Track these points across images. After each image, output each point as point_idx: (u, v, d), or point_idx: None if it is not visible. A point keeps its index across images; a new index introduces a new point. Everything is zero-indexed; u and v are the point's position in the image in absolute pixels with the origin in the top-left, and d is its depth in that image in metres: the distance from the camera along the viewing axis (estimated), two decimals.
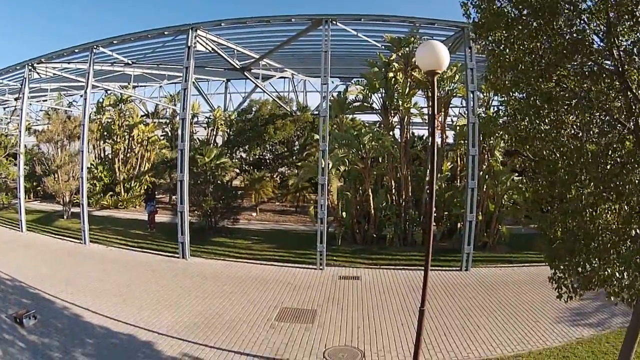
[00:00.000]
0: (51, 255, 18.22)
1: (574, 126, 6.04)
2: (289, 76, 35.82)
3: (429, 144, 21.47)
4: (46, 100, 40.01)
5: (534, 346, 10.08)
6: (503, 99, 6.60)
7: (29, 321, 10.77)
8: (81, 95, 21.75)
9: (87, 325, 10.94)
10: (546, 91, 5.43)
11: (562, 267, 5.98)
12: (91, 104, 38.19)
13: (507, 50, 5.68)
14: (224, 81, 42.17)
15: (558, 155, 6.06)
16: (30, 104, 42.27)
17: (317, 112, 34.74)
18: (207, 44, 20.08)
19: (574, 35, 5.35)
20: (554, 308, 12.22)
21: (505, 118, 6.43)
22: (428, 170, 20.70)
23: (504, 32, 5.67)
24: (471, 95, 17.29)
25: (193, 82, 39.29)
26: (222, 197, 22.72)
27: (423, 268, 16.54)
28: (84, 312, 11.74)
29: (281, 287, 14.36)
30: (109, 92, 35.83)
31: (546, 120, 5.79)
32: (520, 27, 5.50)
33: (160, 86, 40.41)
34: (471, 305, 12.77)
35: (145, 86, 40.15)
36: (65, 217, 26.76)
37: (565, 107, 5.51)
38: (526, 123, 5.80)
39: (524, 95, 6.21)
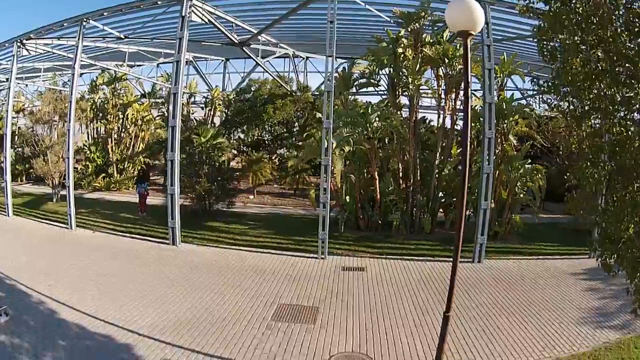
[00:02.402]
0: (35, 241, 17.04)
1: None
2: (289, 55, 34.13)
3: (440, 125, 20.08)
4: (41, 80, 38.38)
5: (561, 352, 8.95)
6: (558, 66, 5.23)
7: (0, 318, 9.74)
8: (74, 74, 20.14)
9: (62, 323, 9.75)
10: None
11: None
12: (86, 84, 37.00)
13: None
14: (222, 61, 40.51)
15: (630, 132, 4.75)
16: (27, 85, 40.77)
17: (317, 93, 33.35)
18: (203, 14, 18.56)
19: None
20: (574, 307, 11.38)
21: (567, 88, 4.99)
22: (438, 154, 19.42)
23: None
24: (487, 74, 15.90)
25: (191, 62, 37.96)
26: (217, 179, 21.42)
27: (433, 259, 15.56)
28: (60, 308, 10.55)
29: (279, 279, 13.13)
30: (105, 71, 34.34)
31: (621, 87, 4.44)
32: None
33: (158, 65, 38.88)
34: (488, 303, 11.62)
35: (142, 65, 38.57)
36: (54, 200, 25.60)
37: None
38: (596, 91, 4.44)
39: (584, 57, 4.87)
